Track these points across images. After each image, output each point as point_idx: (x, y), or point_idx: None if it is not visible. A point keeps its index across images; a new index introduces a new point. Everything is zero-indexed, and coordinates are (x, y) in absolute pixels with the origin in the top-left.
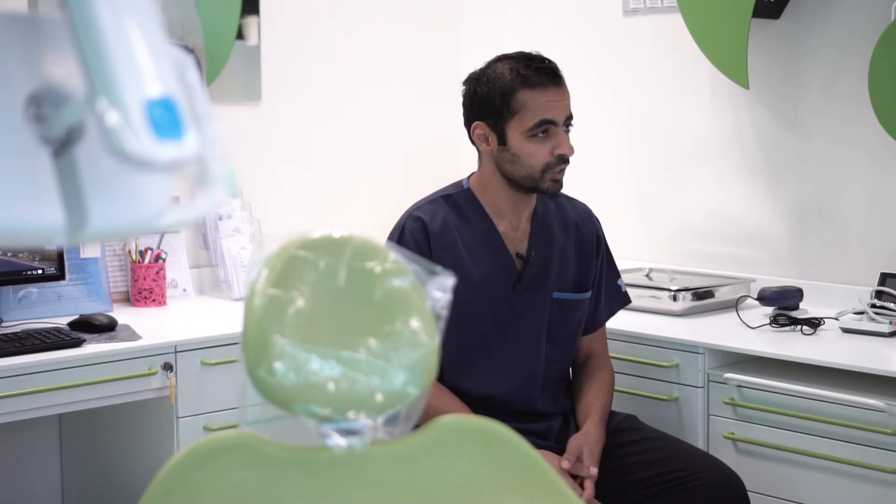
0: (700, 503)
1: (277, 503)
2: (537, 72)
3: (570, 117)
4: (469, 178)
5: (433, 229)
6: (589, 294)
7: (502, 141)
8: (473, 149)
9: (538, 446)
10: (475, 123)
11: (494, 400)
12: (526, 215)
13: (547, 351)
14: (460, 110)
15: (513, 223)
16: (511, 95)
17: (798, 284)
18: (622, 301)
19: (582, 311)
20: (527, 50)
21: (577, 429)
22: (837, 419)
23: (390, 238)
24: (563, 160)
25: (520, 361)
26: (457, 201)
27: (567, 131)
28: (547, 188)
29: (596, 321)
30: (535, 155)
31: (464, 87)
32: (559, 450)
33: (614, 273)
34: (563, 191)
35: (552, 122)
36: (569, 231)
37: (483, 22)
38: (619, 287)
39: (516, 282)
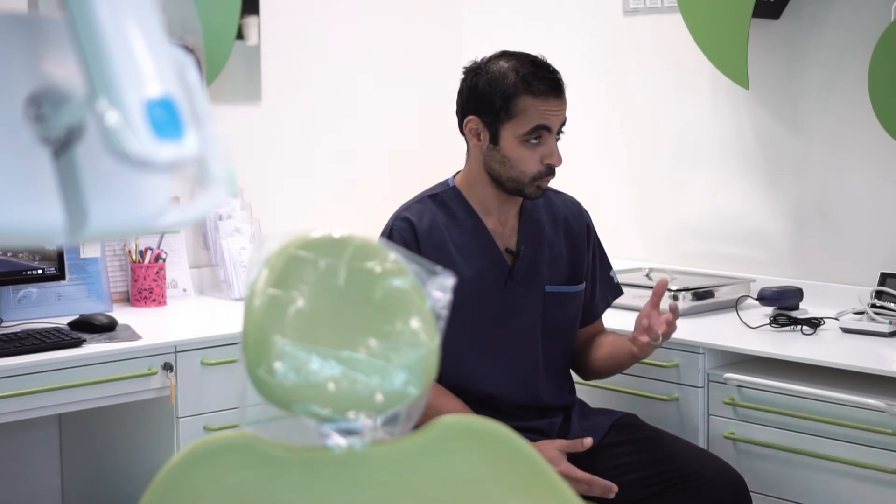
0: (702, 501)
1: (277, 503)
2: (542, 81)
3: (563, 124)
4: (454, 176)
5: (421, 229)
6: (582, 286)
7: (494, 140)
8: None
9: (536, 441)
10: (469, 117)
11: (495, 397)
12: (514, 211)
13: (544, 345)
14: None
15: (501, 219)
16: (513, 99)
17: (798, 284)
18: (615, 292)
19: (577, 303)
20: (532, 53)
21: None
22: (837, 419)
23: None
24: (552, 171)
25: (517, 356)
26: (443, 200)
27: (558, 139)
28: (530, 193)
29: (593, 312)
30: (524, 161)
31: (462, 77)
32: None
33: (606, 264)
34: (557, 186)
35: (546, 128)
36: (558, 224)
37: (483, 22)
38: (612, 278)
39: (508, 277)
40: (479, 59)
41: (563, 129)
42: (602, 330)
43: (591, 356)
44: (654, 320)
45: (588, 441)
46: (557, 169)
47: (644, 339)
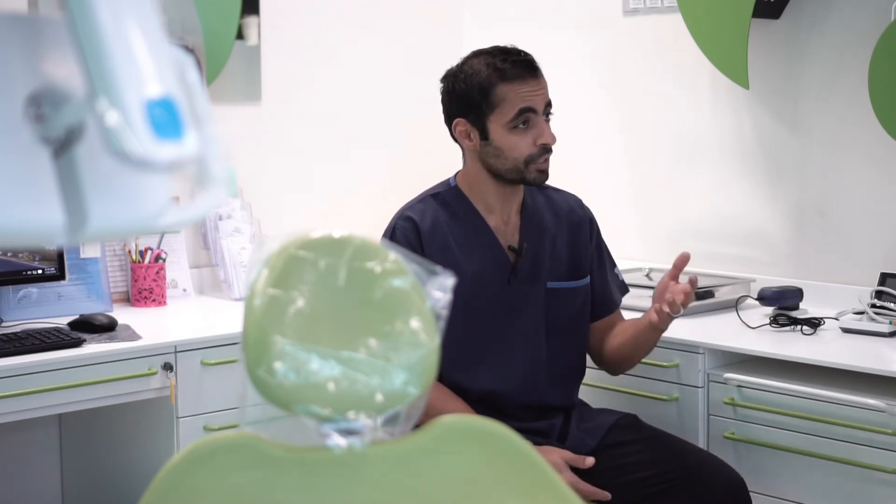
0: (702, 502)
1: (277, 503)
2: (514, 65)
3: (549, 105)
4: (455, 175)
5: (424, 228)
6: (586, 280)
7: (484, 136)
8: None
9: (539, 444)
10: (456, 120)
11: (496, 396)
12: (515, 208)
13: (549, 342)
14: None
15: (503, 217)
16: (490, 90)
17: (798, 284)
18: (622, 288)
19: (582, 298)
20: (503, 44)
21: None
22: (837, 419)
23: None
24: (547, 149)
25: (520, 355)
26: (445, 199)
27: (547, 119)
28: (533, 179)
29: (608, 303)
30: (517, 147)
31: (441, 85)
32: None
33: (611, 261)
34: (557, 185)
35: (532, 110)
36: (560, 220)
37: (483, 22)
38: (618, 275)
39: (510, 275)
40: (453, 65)
41: (552, 110)
42: (621, 319)
43: (612, 343)
44: (674, 293)
45: (590, 461)
46: (557, 167)
47: (666, 309)
